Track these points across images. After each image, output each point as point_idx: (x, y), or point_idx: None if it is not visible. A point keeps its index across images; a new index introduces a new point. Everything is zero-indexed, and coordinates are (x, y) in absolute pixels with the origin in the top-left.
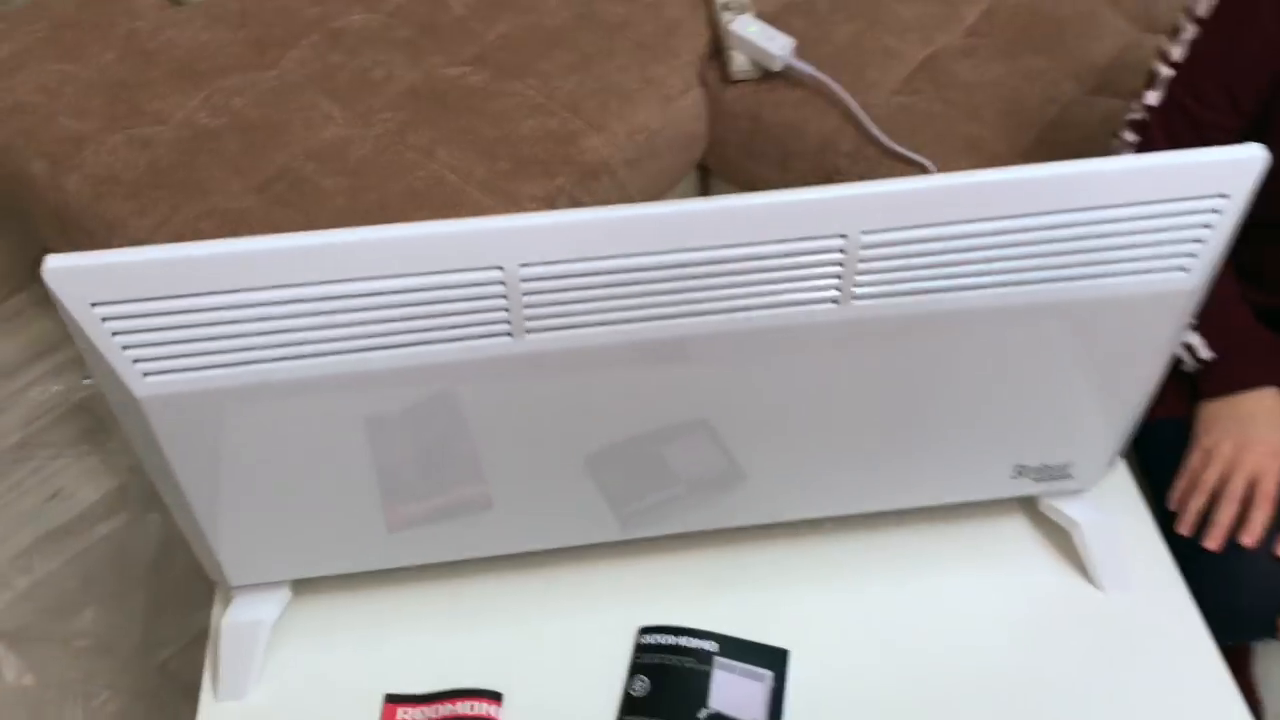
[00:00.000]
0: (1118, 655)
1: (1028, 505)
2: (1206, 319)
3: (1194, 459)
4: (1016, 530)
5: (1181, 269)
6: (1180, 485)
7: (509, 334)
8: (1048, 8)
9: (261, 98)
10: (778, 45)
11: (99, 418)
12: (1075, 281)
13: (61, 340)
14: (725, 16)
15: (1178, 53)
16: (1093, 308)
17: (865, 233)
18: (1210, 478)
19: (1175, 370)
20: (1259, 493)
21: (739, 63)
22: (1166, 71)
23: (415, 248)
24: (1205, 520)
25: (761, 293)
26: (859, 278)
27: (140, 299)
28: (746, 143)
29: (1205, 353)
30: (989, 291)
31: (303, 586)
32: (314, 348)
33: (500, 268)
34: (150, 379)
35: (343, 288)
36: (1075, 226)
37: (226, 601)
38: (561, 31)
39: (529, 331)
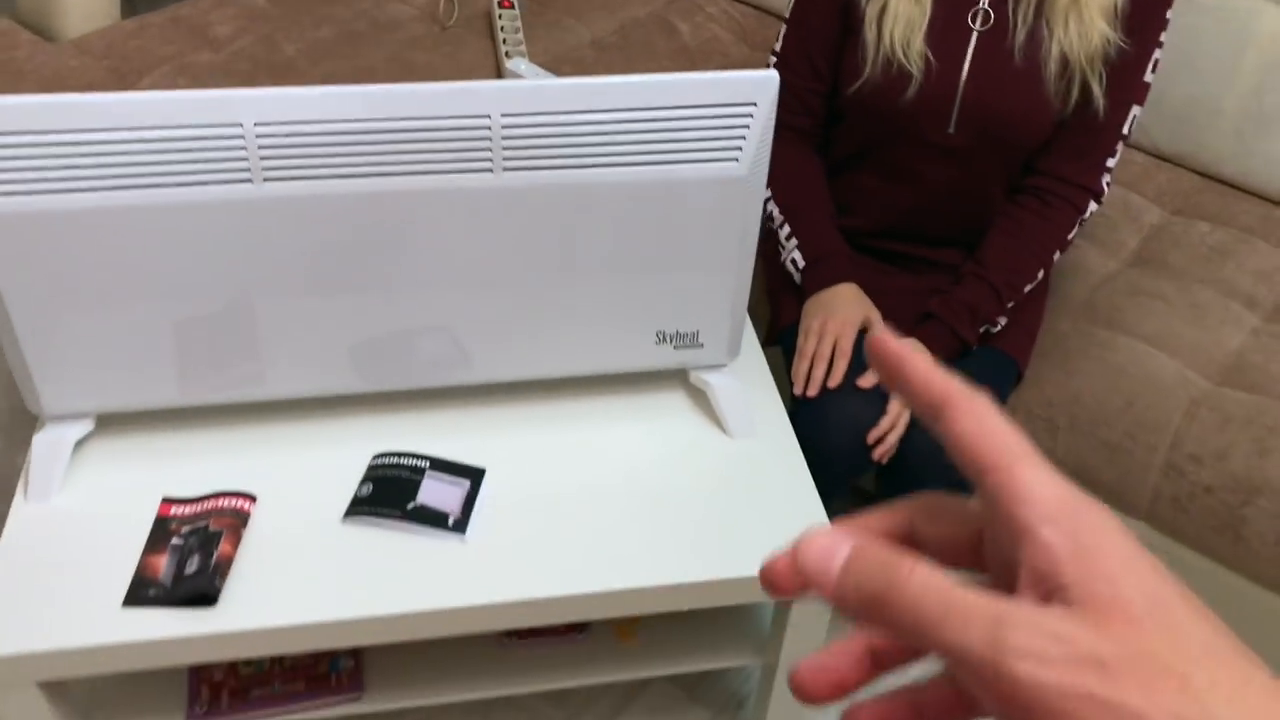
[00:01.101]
0: (740, 480)
1: (683, 378)
2: (803, 237)
3: (800, 339)
4: (675, 398)
5: (735, 159)
6: (795, 360)
7: (249, 180)
8: None
9: None
10: (543, 80)
11: None
12: (661, 166)
13: None
14: (506, 60)
15: (779, 46)
16: (678, 187)
17: (504, 115)
18: (809, 348)
19: (796, 286)
20: (838, 351)
21: None
22: (773, 59)
23: (181, 107)
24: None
25: (436, 159)
26: (505, 152)
27: None
28: None
29: (802, 262)
30: (600, 170)
31: (103, 422)
32: (105, 181)
33: (240, 124)
34: None
35: (125, 134)
36: (656, 120)
37: None
38: (374, 69)
39: (266, 180)
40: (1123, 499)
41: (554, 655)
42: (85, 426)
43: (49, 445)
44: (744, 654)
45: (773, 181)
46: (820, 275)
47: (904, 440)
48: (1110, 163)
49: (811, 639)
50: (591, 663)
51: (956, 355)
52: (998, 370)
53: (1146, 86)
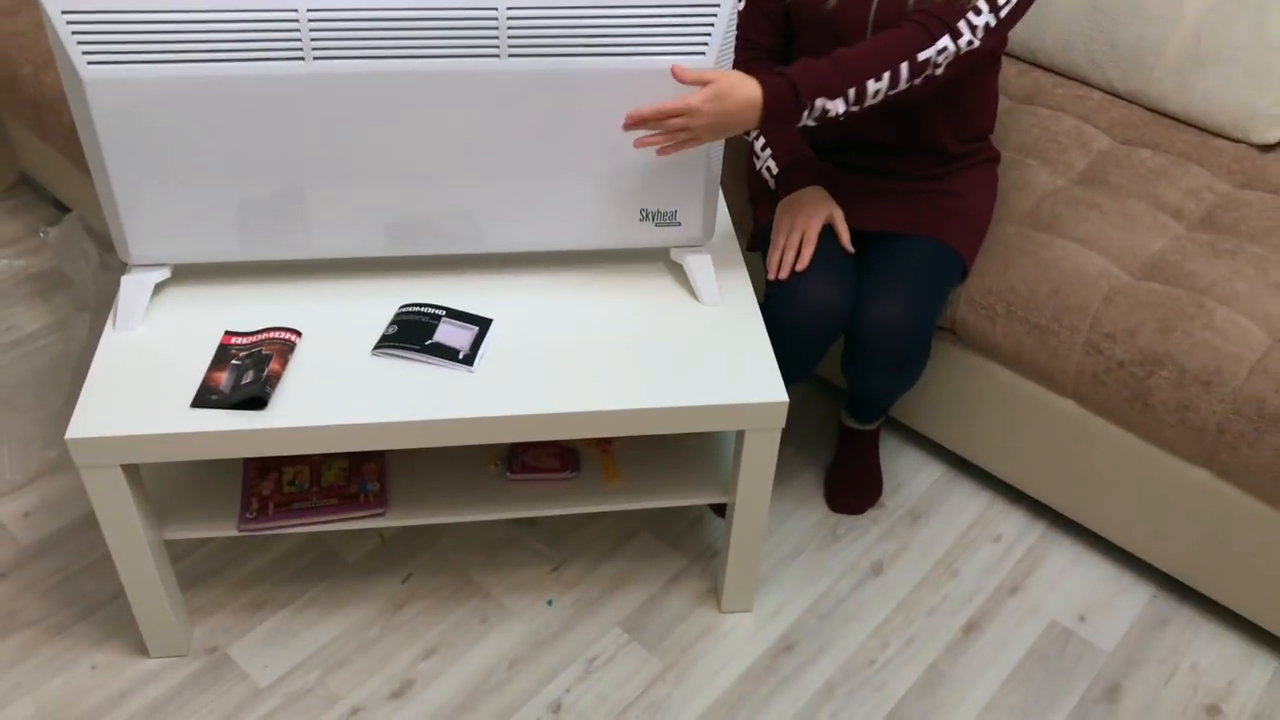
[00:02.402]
0: (707, 336)
1: (665, 259)
2: (775, 147)
3: (774, 234)
4: (658, 273)
5: (702, 52)
6: (769, 250)
7: (302, 58)
8: None
9: None
10: None
11: (47, 285)
12: (640, 56)
13: (23, 236)
14: None
15: (741, 6)
16: (655, 75)
17: (509, 7)
18: (780, 239)
19: (771, 191)
20: (805, 241)
21: None
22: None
23: None
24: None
25: (453, 43)
26: (510, 39)
27: (87, 9)
28: None
29: (775, 169)
30: (590, 59)
31: (178, 272)
32: (185, 54)
33: (295, 9)
34: (91, 66)
35: (203, 15)
36: (636, 15)
37: None
38: None
39: (315, 58)
40: (1053, 378)
41: (549, 491)
42: (164, 273)
43: (134, 286)
44: (709, 493)
45: None
46: (791, 180)
47: (858, 322)
48: (975, 19)
49: (762, 480)
50: (581, 497)
51: (788, 101)
52: (944, 264)
53: None
